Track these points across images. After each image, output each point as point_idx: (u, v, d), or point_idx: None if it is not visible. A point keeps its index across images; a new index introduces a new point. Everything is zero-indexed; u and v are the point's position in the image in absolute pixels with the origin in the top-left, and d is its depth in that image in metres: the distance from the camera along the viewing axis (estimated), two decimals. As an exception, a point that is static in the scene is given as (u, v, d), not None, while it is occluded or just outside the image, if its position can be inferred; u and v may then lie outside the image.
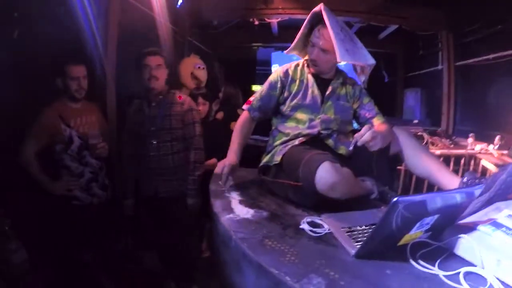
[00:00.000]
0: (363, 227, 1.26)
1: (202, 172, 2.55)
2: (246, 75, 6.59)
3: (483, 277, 0.94)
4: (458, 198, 1.05)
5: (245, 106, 2.07)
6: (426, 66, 5.68)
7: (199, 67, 3.58)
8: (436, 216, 1.02)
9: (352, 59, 1.78)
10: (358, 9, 4.73)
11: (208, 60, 3.84)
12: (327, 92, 1.92)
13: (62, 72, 2.30)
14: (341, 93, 1.96)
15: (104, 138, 2.44)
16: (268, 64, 6.83)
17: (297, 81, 1.96)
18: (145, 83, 2.45)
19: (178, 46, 3.88)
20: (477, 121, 4.58)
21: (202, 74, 3.59)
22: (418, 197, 0.96)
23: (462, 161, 3.71)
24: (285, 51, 2.13)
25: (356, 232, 1.21)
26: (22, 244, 2.12)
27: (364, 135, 1.43)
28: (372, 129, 1.46)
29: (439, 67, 5.23)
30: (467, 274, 0.95)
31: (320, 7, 1.80)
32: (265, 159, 1.92)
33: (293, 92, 1.95)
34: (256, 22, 5.10)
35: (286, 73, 2.00)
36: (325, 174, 1.38)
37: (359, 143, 1.43)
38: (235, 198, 1.63)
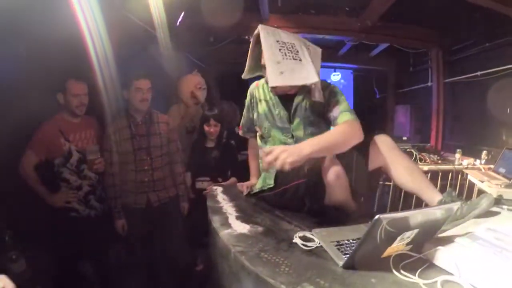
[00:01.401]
0: (351, 240, 1.35)
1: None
2: (241, 91, 6.64)
3: (459, 284, 1.03)
4: (438, 214, 1.16)
5: (240, 132, 2.18)
6: (417, 82, 5.84)
7: (200, 87, 3.60)
8: (416, 231, 1.11)
9: (287, 81, 1.69)
10: (351, 28, 4.85)
11: (204, 76, 3.88)
12: (292, 110, 1.89)
13: (64, 88, 2.38)
14: (308, 105, 1.88)
15: (101, 154, 2.51)
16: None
17: (263, 101, 1.98)
18: (136, 104, 2.58)
19: (176, 62, 3.94)
20: (465, 137, 4.73)
21: (202, 94, 3.61)
22: (399, 214, 1.06)
23: (450, 176, 3.82)
24: (242, 75, 2.08)
25: (344, 245, 1.30)
26: (21, 254, 2.18)
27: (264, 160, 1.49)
28: (269, 149, 1.49)
29: (429, 83, 5.38)
30: (445, 282, 1.04)
31: (258, 28, 1.83)
32: (258, 185, 1.98)
33: (261, 113, 1.97)
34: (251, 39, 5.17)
35: (251, 94, 2.06)
36: (330, 163, 1.53)
37: (263, 168, 1.50)
38: (232, 214, 1.75)
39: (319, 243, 1.34)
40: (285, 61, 1.69)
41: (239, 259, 1.24)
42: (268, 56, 1.70)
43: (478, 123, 4.33)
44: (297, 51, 1.75)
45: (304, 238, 1.38)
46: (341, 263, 1.17)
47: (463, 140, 4.72)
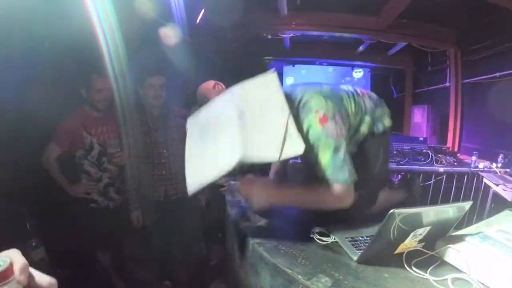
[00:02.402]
0: (365, 237, 1.40)
1: None
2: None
3: (469, 282, 1.06)
4: (450, 212, 1.19)
5: None
6: (434, 82, 5.77)
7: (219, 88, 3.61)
8: (428, 228, 1.15)
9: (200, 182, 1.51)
10: (369, 27, 4.85)
11: (221, 72, 3.90)
12: None
13: (88, 83, 2.44)
14: None
15: (121, 147, 2.59)
16: (279, 77, 6.93)
17: None
18: (150, 100, 2.61)
19: (194, 59, 3.98)
20: (482, 139, 4.64)
21: None
22: (412, 210, 1.10)
23: (465, 178, 3.79)
24: None
25: (358, 241, 1.36)
26: (41, 242, 2.27)
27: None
28: (246, 182, 1.52)
29: (447, 84, 5.30)
30: (455, 279, 1.08)
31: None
32: None
33: None
34: (269, 37, 5.24)
35: None
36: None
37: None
38: (249, 208, 1.77)
39: (335, 239, 1.39)
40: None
41: (258, 250, 1.30)
42: (188, 154, 1.66)
43: (496, 126, 4.25)
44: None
45: (320, 234, 1.43)
46: (355, 258, 1.22)
47: (480, 142, 4.65)
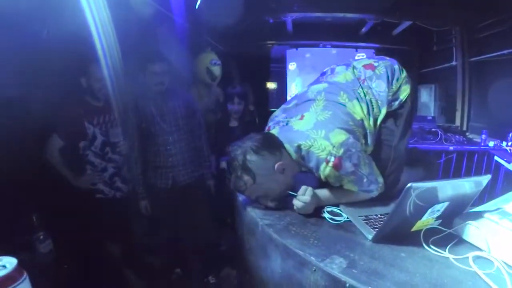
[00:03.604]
0: (379, 215, 1.35)
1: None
2: (261, 72, 6.65)
3: (490, 260, 1.02)
4: (467, 186, 1.14)
5: None
6: (441, 62, 5.65)
7: (214, 63, 3.63)
8: (446, 204, 1.10)
9: None
10: (372, 7, 4.75)
11: (223, 58, 3.88)
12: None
13: (87, 72, 2.40)
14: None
15: (124, 136, 2.55)
16: (282, 61, 6.86)
17: None
18: (152, 87, 2.56)
19: (195, 45, 3.93)
20: (491, 118, 4.54)
21: (217, 70, 3.64)
22: (429, 184, 1.05)
23: (475, 157, 3.76)
24: None
25: (372, 220, 1.31)
26: (48, 234, 2.23)
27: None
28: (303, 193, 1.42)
29: (453, 63, 5.22)
30: (475, 258, 1.03)
31: None
32: None
33: None
34: (271, 20, 5.16)
35: None
36: None
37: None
38: None
39: (347, 218, 1.35)
40: None
41: (267, 231, 1.25)
42: None
43: (505, 104, 4.15)
44: None
45: (332, 213, 1.39)
46: (370, 236, 1.17)
47: (489, 121, 4.56)
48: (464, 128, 5.01)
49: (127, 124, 2.55)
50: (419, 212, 1.09)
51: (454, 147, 3.81)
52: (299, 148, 1.41)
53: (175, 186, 2.69)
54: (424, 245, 1.11)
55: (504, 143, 3.79)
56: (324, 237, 1.19)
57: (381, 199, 1.48)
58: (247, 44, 5.68)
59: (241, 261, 1.66)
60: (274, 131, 1.54)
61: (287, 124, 1.52)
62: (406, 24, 5.42)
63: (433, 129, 4.06)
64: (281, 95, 6.73)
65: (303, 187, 1.41)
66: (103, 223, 2.47)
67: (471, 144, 4.04)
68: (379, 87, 1.57)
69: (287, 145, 1.44)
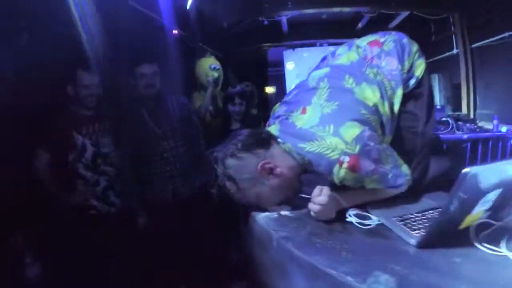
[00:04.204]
0: (415, 214, 1.14)
1: None
2: (258, 77, 6.51)
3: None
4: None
5: None
6: (441, 51, 5.50)
7: (214, 68, 3.53)
8: (499, 191, 0.89)
9: None
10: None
11: (221, 65, 3.78)
12: None
13: (73, 80, 2.23)
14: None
15: (116, 145, 2.38)
16: (280, 64, 6.70)
17: None
18: (142, 91, 2.41)
19: (189, 52, 3.81)
20: (498, 104, 4.43)
21: (217, 75, 3.51)
22: (487, 166, 0.88)
23: (490, 143, 3.67)
24: None
25: (409, 221, 1.09)
26: (36, 259, 2.09)
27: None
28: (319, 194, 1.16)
29: (455, 51, 5.08)
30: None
31: None
32: None
33: None
34: (266, 22, 5.06)
35: None
36: None
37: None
38: None
39: (379, 220, 1.13)
40: None
41: (285, 246, 1.01)
42: None
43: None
44: None
45: (359, 216, 1.16)
46: (413, 241, 0.96)
47: (496, 107, 4.41)
48: (471, 116, 4.85)
49: (119, 132, 2.38)
50: (471, 204, 0.87)
51: (468, 135, 3.69)
52: (304, 151, 1.19)
53: (176, 198, 2.52)
54: (477, 244, 0.91)
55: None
56: (357, 248, 0.97)
57: (411, 195, 1.26)
58: (242, 48, 5.56)
59: (251, 280, 1.44)
60: (273, 128, 1.31)
61: (287, 118, 1.30)
62: (403, 15, 5.37)
63: (443, 119, 3.90)
64: (280, 99, 6.56)
65: (318, 187, 1.17)
66: (98, 241, 2.25)
67: (483, 131, 3.92)
68: (390, 65, 1.34)
69: (287, 145, 1.22)
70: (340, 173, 1.13)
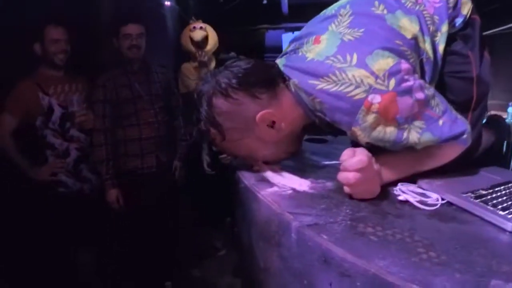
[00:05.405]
0: (488, 190, 0.80)
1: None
2: (257, 55, 6.23)
3: None
4: None
5: None
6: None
7: (194, 27, 3.16)
8: None
9: None
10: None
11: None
12: None
13: (41, 36, 2.01)
14: None
15: (91, 106, 2.14)
16: (278, 50, 6.38)
17: None
18: (125, 52, 2.22)
19: (182, 25, 3.50)
20: (508, 94, 4.15)
21: (198, 35, 3.12)
22: None
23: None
24: None
25: (487, 198, 0.75)
26: None
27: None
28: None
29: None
30: None
31: None
32: None
33: None
34: (265, 1, 4.84)
35: None
36: None
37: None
38: (269, 168, 0.98)
39: (443, 199, 0.77)
40: None
41: (314, 242, 0.61)
42: None
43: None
44: None
45: (414, 192, 0.80)
46: (510, 225, 0.63)
47: (505, 97, 4.15)
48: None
49: (96, 95, 2.17)
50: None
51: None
52: (315, 89, 0.83)
53: (160, 169, 2.33)
54: None
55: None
56: (437, 241, 0.59)
57: (466, 166, 0.93)
58: (237, 28, 5.25)
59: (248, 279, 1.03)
60: (278, 62, 0.96)
61: (295, 52, 0.95)
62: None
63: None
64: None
65: (348, 149, 0.79)
66: (68, 225, 2.03)
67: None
68: None
69: (293, 82, 0.87)
70: (367, 119, 0.79)
